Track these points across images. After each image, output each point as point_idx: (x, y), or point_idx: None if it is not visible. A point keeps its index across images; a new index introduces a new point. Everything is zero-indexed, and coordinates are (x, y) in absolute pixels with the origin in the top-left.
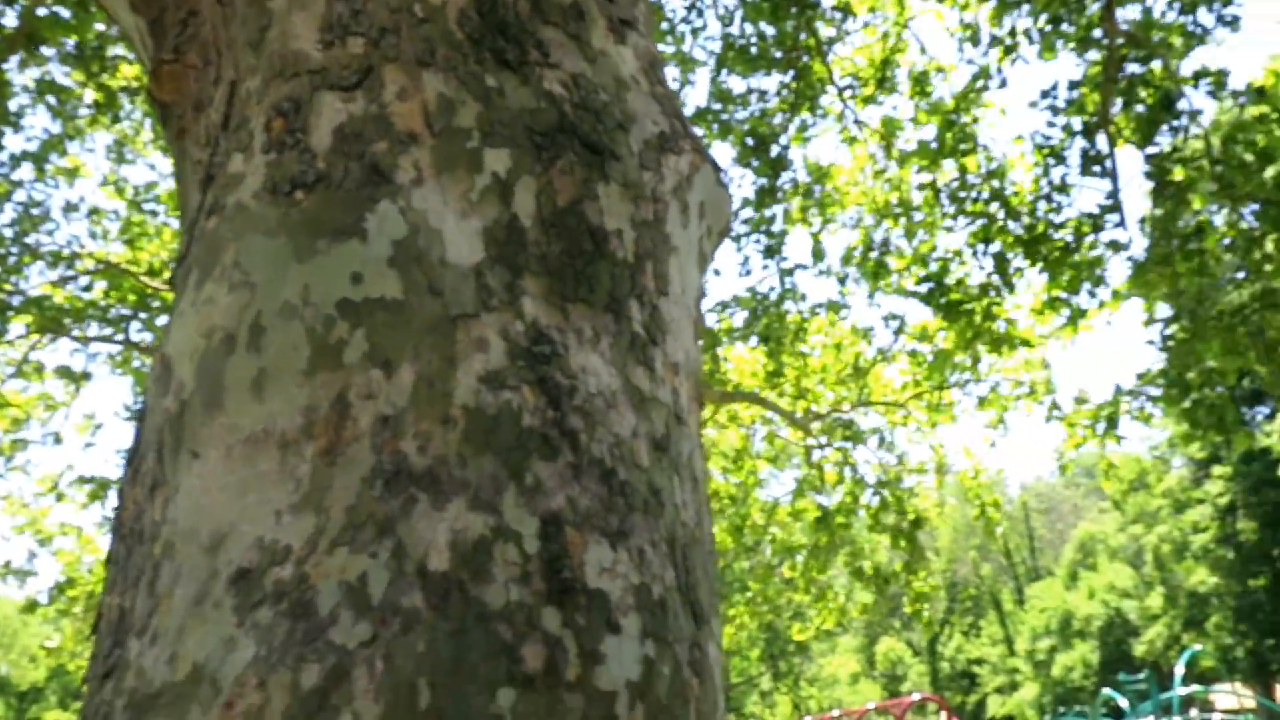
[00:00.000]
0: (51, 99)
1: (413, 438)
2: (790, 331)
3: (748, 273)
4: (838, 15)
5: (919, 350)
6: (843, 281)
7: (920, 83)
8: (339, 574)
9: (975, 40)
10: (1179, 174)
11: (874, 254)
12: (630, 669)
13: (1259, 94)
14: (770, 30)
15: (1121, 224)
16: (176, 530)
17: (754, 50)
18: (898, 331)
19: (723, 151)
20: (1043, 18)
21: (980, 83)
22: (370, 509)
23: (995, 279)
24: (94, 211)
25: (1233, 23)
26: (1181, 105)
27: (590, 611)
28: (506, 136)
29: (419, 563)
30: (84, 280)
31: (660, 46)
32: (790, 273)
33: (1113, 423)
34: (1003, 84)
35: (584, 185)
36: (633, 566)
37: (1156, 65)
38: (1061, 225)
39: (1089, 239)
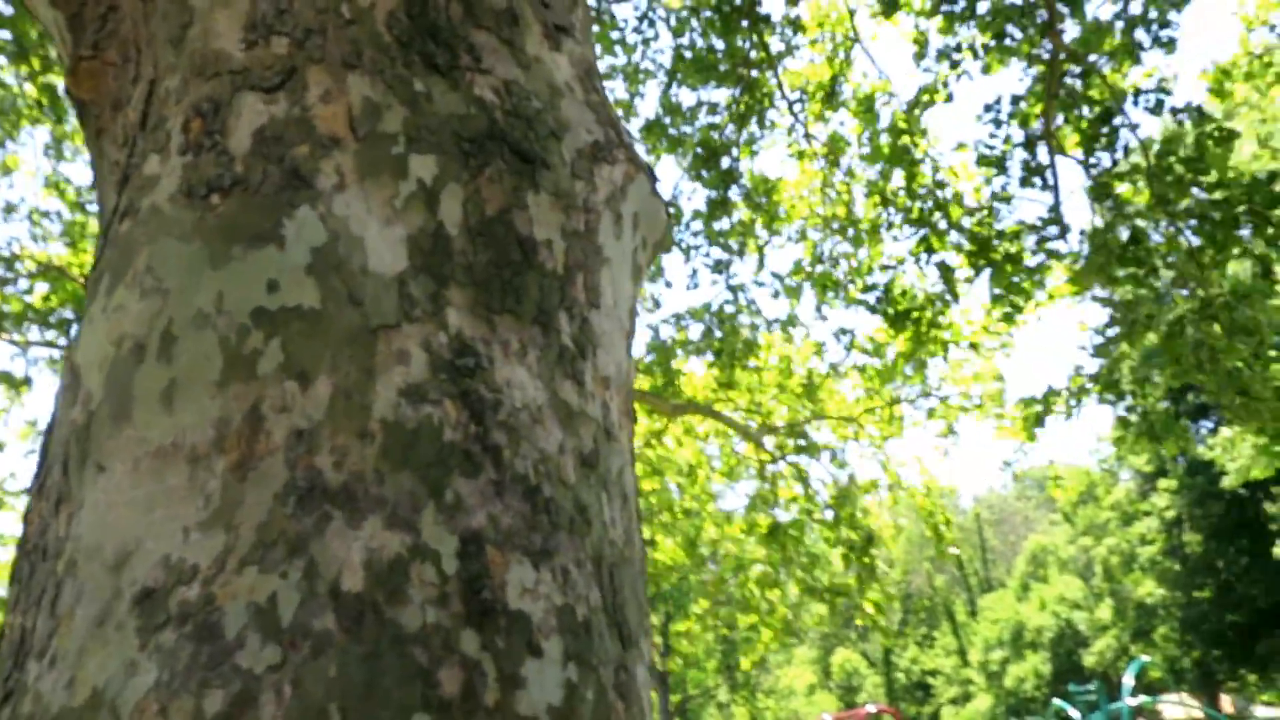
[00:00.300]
0: None
1: (328, 453)
2: (742, 346)
3: (696, 285)
4: (788, 31)
5: (870, 364)
6: (791, 294)
7: (867, 103)
8: (247, 595)
9: (923, 54)
10: (1117, 186)
11: (821, 266)
12: (552, 693)
13: (1199, 113)
14: (721, 44)
15: (1063, 235)
16: (80, 547)
17: (705, 63)
18: (849, 346)
19: (673, 164)
20: (988, 32)
21: (926, 96)
22: (282, 527)
23: (940, 288)
24: (34, 212)
25: (1169, 44)
26: (1121, 120)
27: (511, 634)
28: (434, 143)
29: (331, 583)
30: (24, 283)
31: (611, 58)
32: (741, 287)
33: (1039, 420)
34: (949, 98)
35: (513, 194)
36: (556, 587)
37: (1098, 79)
38: (1003, 235)
39: (1030, 248)
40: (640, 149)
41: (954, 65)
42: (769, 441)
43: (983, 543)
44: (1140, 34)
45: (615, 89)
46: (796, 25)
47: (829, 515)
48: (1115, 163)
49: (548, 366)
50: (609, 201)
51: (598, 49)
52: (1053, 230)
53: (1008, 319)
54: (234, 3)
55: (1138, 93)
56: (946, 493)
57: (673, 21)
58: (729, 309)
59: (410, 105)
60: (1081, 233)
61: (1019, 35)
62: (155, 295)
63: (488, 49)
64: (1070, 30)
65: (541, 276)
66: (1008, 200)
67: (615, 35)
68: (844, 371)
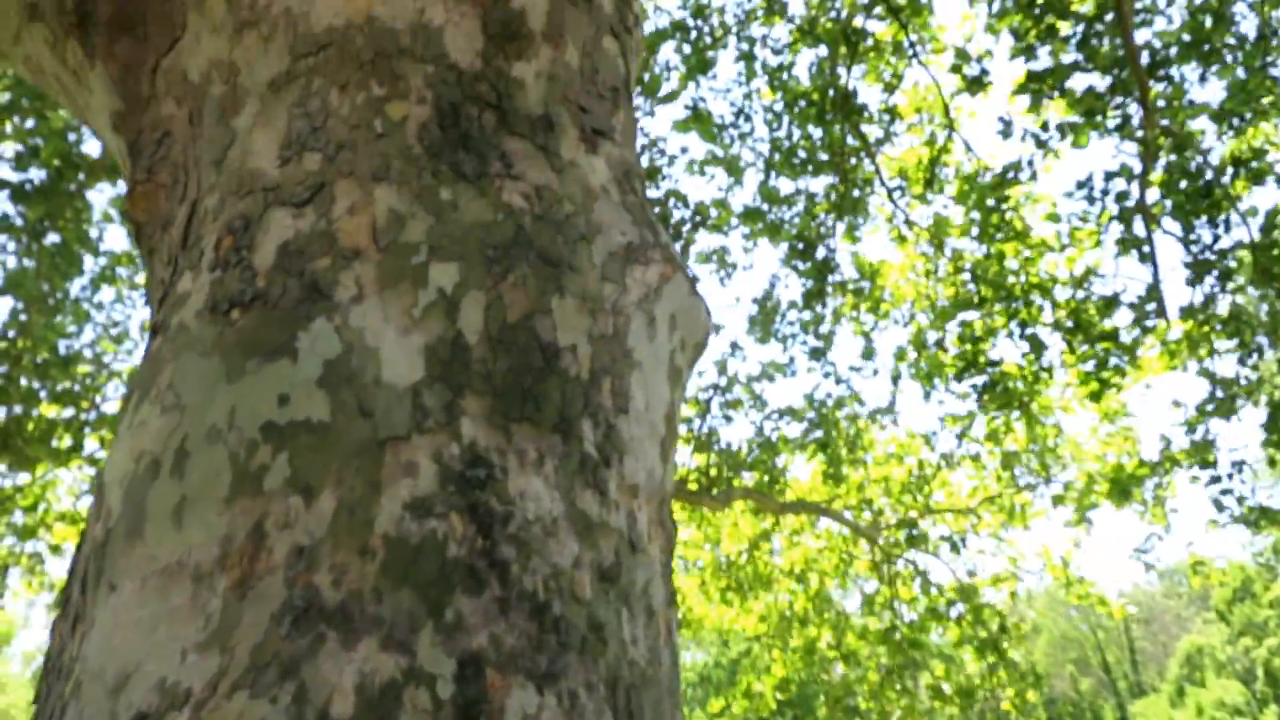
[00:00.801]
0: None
1: (328, 570)
2: (847, 438)
3: (794, 374)
4: (885, 118)
5: (982, 452)
6: (896, 382)
7: (968, 182)
8: None
9: (1009, 134)
10: (1219, 261)
11: (927, 351)
12: None
13: None
14: (818, 133)
15: (1162, 315)
16: (86, 668)
17: (802, 154)
18: (961, 435)
19: (770, 253)
20: (1076, 109)
21: (1013, 174)
22: (276, 648)
23: (1035, 363)
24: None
25: (1268, 113)
26: (1221, 191)
27: None
28: (456, 251)
29: (321, 709)
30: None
31: (708, 148)
32: (841, 380)
33: (1125, 493)
34: (1033, 177)
35: (537, 299)
36: (562, 712)
37: (1196, 151)
38: (1099, 309)
39: (1125, 325)
40: (739, 235)
41: (1041, 144)
42: (883, 538)
43: (1130, 643)
44: (1239, 103)
45: (716, 177)
46: (893, 113)
47: (953, 613)
48: (1216, 237)
49: (567, 476)
50: (642, 303)
51: (695, 138)
52: (1151, 307)
53: (1097, 396)
54: (272, 122)
55: (1238, 163)
56: (1083, 586)
57: (767, 115)
58: (830, 401)
59: (435, 214)
60: (1181, 308)
61: (1109, 111)
62: (174, 411)
63: (520, 155)
64: (1164, 98)
65: (564, 382)
66: (1101, 275)
67: (714, 130)
68: (956, 461)
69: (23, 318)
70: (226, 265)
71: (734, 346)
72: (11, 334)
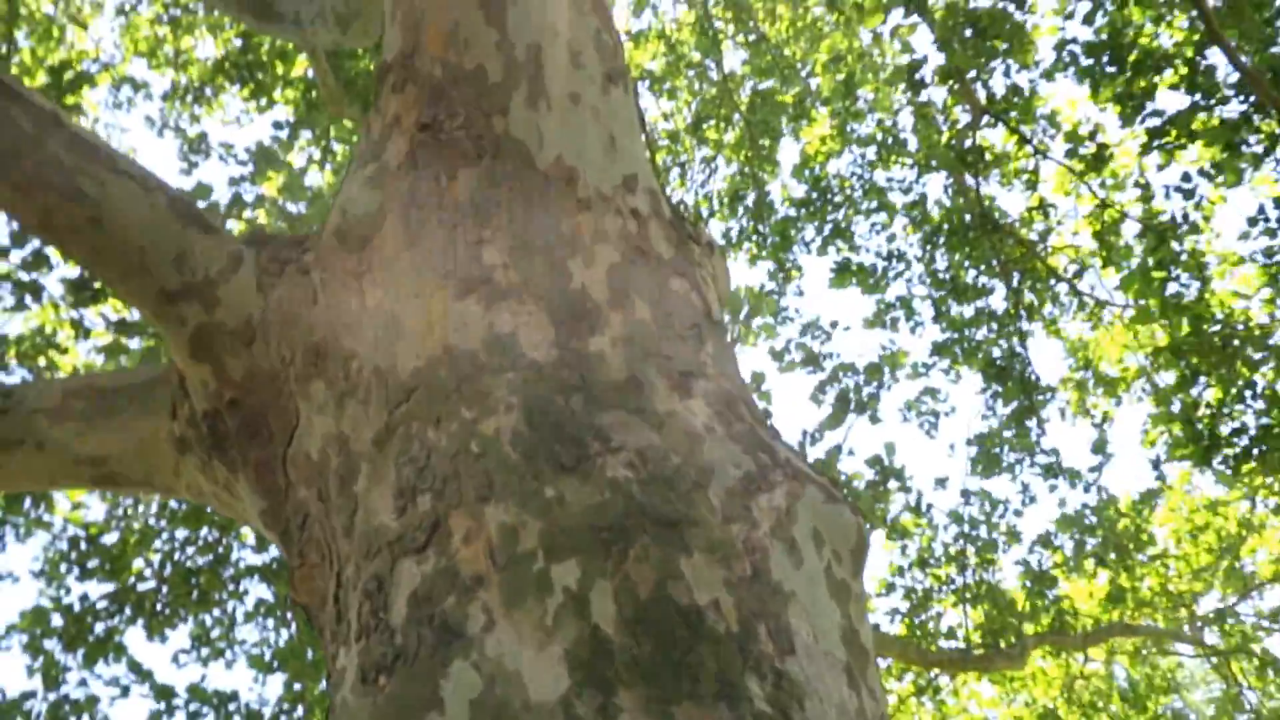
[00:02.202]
0: None
1: None
2: (1129, 536)
3: (1034, 500)
4: (1038, 212)
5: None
6: (1157, 466)
7: (1159, 235)
8: None
9: (1150, 195)
10: None
11: (1178, 423)
12: None
13: None
14: (973, 250)
15: None
16: None
17: (970, 274)
18: (1253, 495)
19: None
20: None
21: (1178, 229)
22: None
23: None
24: None
25: None
26: None
27: None
28: (572, 545)
29: None
30: None
31: (873, 297)
32: (1089, 485)
33: None
34: (1195, 229)
35: (665, 566)
36: None
37: None
38: None
39: None
40: (939, 371)
41: (1189, 195)
42: (1209, 636)
43: None
44: None
45: (898, 322)
46: (1043, 206)
47: None
48: None
49: None
50: (776, 531)
51: (856, 291)
52: None
53: None
54: (384, 478)
55: None
56: None
57: (918, 250)
58: (1087, 511)
59: (544, 516)
60: None
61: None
62: None
63: (615, 426)
64: None
65: (715, 644)
66: None
67: (871, 280)
68: (1258, 518)
69: (297, 686)
70: (368, 631)
71: (966, 495)
72: (288, 706)
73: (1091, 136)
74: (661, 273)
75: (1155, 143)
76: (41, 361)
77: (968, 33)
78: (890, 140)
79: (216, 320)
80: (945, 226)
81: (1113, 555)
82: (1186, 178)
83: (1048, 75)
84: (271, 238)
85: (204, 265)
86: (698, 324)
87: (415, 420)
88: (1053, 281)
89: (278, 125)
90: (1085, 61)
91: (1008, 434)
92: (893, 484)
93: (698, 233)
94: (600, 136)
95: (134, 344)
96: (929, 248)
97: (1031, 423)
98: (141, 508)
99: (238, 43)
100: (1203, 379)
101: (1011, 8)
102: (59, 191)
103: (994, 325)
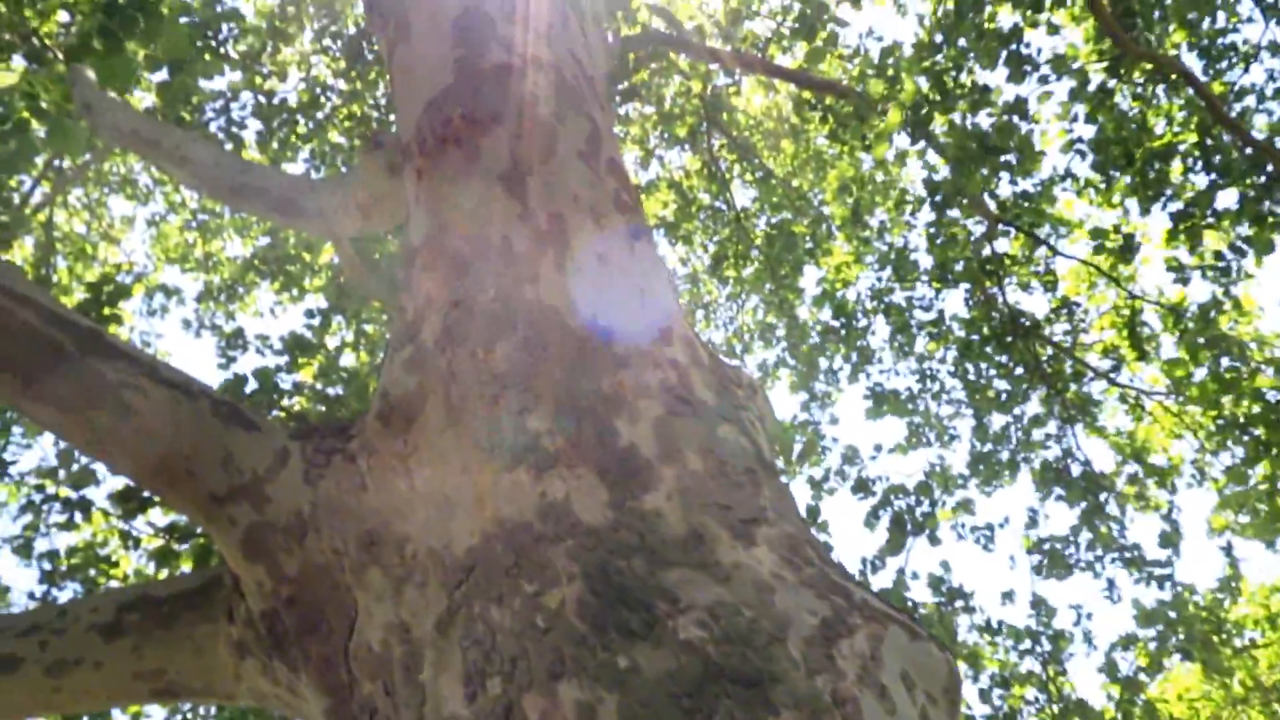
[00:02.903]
0: None
1: None
2: (1213, 627)
3: (1118, 599)
4: (1062, 312)
5: None
6: (1229, 553)
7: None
8: None
9: (1185, 279)
10: None
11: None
12: None
13: None
14: (1004, 358)
15: None
16: None
17: (1000, 384)
18: None
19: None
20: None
21: (1214, 312)
22: None
23: None
24: None
25: None
26: None
27: None
28: (652, 717)
29: None
30: None
31: (908, 421)
32: (1164, 580)
33: None
34: (1237, 307)
35: None
36: None
37: None
38: None
39: None
40: (979, 491)
41: (1224, 273)
42: None
43: None
44: None
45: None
46: (1067, 303)
47: None
48: None
49: None
50: (863, 679)
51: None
52: None
53: None
54: (450, 664)
55: None
56: None
57: (950, 366)
58: (1169, 605)
59: (620, 688)
60: None
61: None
62: None
63: (682, 584)
64: None
65: None
66: None
67: (906, 402)
68: None
69: None
70: None
71: (1038, 604)
72: None
73: (1116, 230)
74: (708, 421)
75: (1180, 227)
76: (92, 572)
77: (973, 146)
78: (906, 260)
79: (267, 519)
80: (973, 338)
81: (1197, 649)
82: (1219, 256)
83: (1056, 181)
84: (315, 428)
85: (250, 465)
86: (751, 469)
87: (476, 600)
88: (1089, 379)
89: (309, 314)
90: (1094, 158)
91: (1075, 534)
92: (958, 604)
93: (737, 375)
94: (630, 292)
95: (183, 547)
96: (958, 362)
97: (1100, 520)
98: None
99: (265, 240)
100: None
101: (1015, 118)
102: (105, 407)
103: (1037, 431)
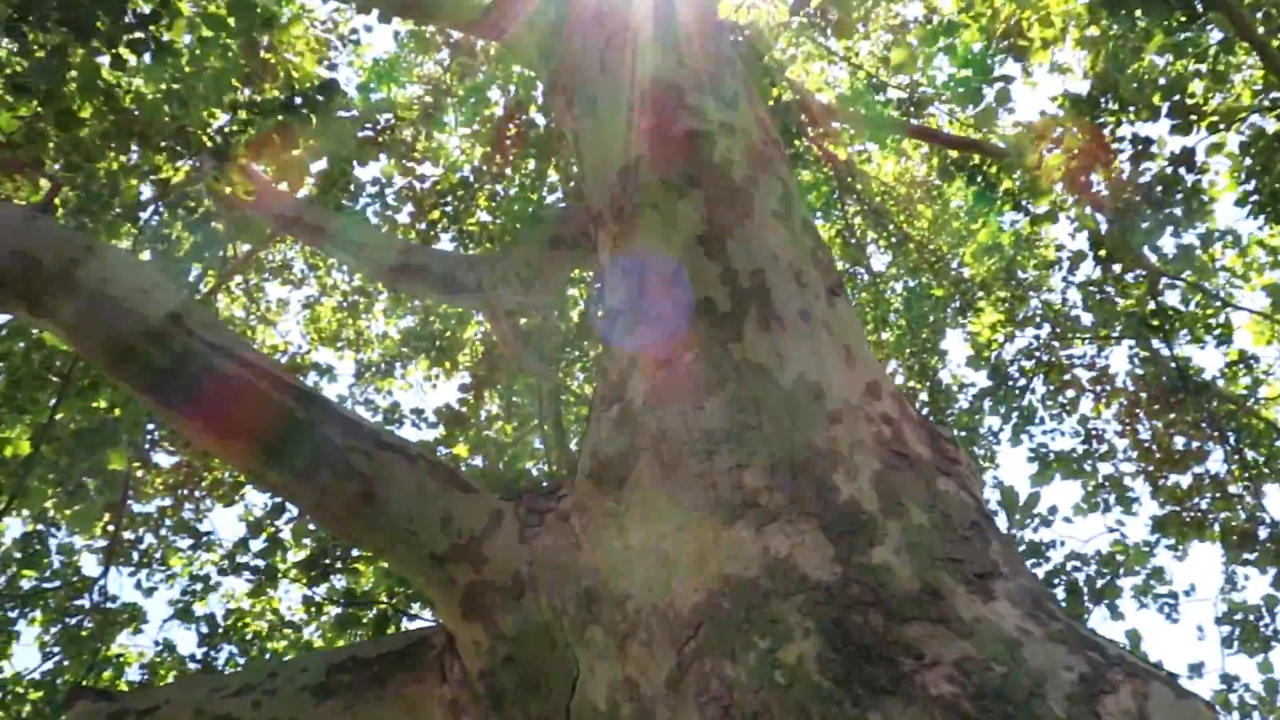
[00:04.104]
0: None
1: None
2: None
3: None
4: (1239, 367)
5: None
6: None
7: None
8: None
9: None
10: None
11: None
12: None
13: None
14: (1174, 415)
15: None
16: None
17: (1179, 441)
18: None
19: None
20: None
21: None
22: None
23: None
24: None
25: None
26: None
27: None
28: None
29: None
30: None
31: (1082, 484)
32: None
33: None
34: None
35: None
36: None
37: None
38: None
39: None
40: (1166, 554)
41: None
42: None
43: None
44: None
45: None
46: (1245, 358)
47: None
48: None
49: None
50: None
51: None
52: None
53: None
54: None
55: None
56: None
57: (1119, 426)
58: None
59: None
60: None
61: None
62: None
63: (923, 639)
64: None
65: None
66: None
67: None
68: None
69: None
70: None
71: (1227, 680)
72: None
73: None
74: (926, 475)
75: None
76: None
77: (1136, 199)
78: (1063, 317)
79: (485, 578)
80: (1143, 396)
81: None
82: None
83: (1230, 233)
84: (526, 490)
85: (468, 525)
86: (976, 522)
87: (708, 656)
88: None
89: (463, 388)
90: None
91: (1270, 604)
92: None
93: (943, 430)
94: (836, 349)
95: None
96: (1124, 420)
97: None
98: None
99: (408, 319)
100: None
101: (1181, 170)
102: (334, 470)
103: (1220, 491)
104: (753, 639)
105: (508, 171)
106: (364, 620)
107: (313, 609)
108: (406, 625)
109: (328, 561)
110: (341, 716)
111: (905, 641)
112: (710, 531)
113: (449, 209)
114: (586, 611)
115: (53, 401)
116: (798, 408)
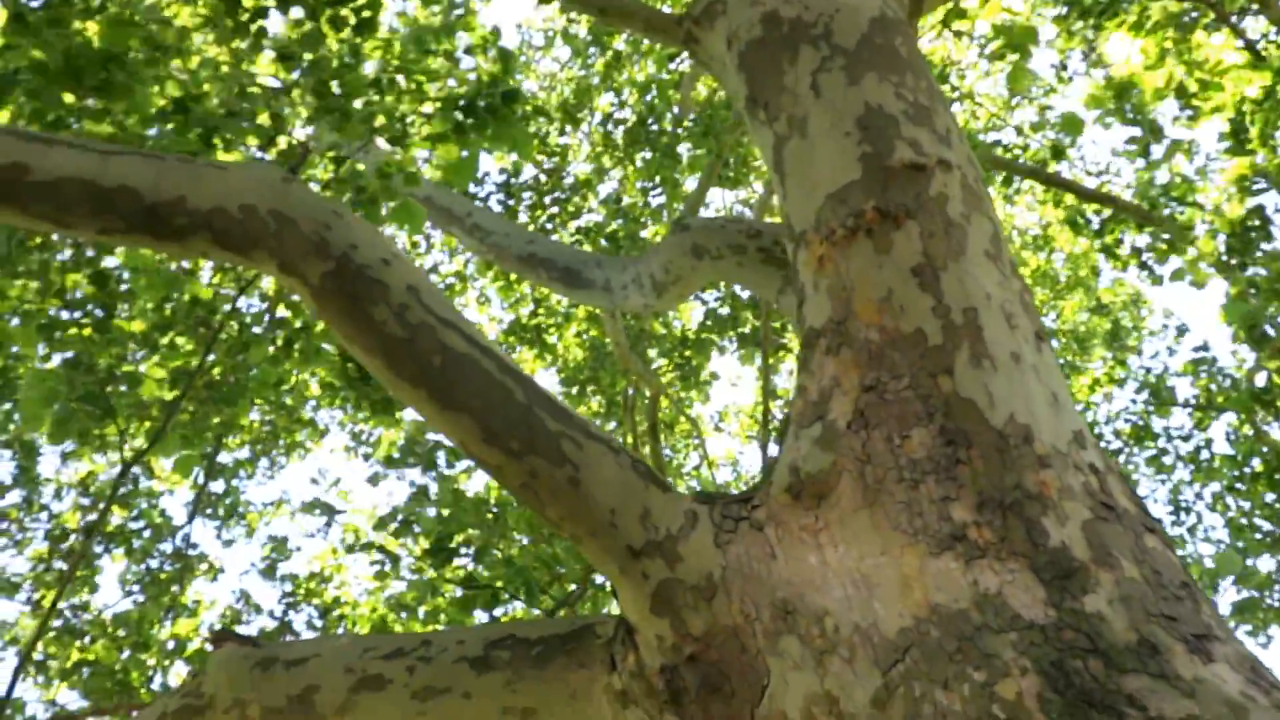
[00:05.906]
0: None
1: None
2: None
3: None
4: None
5: None
6: None
7: None
8: None
9: None
10: None
11: None
12: None
13: None
14: (1272, 497)
15: None
16: None
17: (1265, 529)
18: None
19: None
20: None
21: None
22: None
23: None
24: None
25: None
26: None
27: None
28: None
29: None
30: None
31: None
32: None
33: None
34: None
35: None
36: None
37: None
38: None
39: None
40: (1246, 638)
41: None
42: None
43: None
44: None
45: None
46: None
47: None
48: None
49: None
50: None
51: None
52: None
53: None
54: None
55: None
56: None
57: (1212, 502)
58: None
59: None
60: None
61: None
62: None
63: (1145, 692)
64: None
65: None
66: None
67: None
68: None
69: None
70: None
71: None
72: None
73: None
74: (1134, 530)
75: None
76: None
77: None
78: (1164, 386)
79: (678, 576)
80: (1240, 472)
81: None
82: None
83: None
84: (718, 496)
85: (665, 523)
86: (1186, 583)
87: (917, 681)
88: None
89: (565, 383)
90: None
91: None
92: None
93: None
94: (1044, 394)
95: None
96: (1218, 497)
97: None
98: None
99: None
100: None
101: None
102: (545, 455)
103: None
104: (967, 670)
105: (627, 174)
106: (478, 602)
107: (430, 593)
108: (515, 610)
109: (452, 547)
110: (502, 691)
111: (1128, 693)
112: (915, 559)
113: (568, 205)
114: (782, 622)
115: (206, 355)
116: (1008, 447)
